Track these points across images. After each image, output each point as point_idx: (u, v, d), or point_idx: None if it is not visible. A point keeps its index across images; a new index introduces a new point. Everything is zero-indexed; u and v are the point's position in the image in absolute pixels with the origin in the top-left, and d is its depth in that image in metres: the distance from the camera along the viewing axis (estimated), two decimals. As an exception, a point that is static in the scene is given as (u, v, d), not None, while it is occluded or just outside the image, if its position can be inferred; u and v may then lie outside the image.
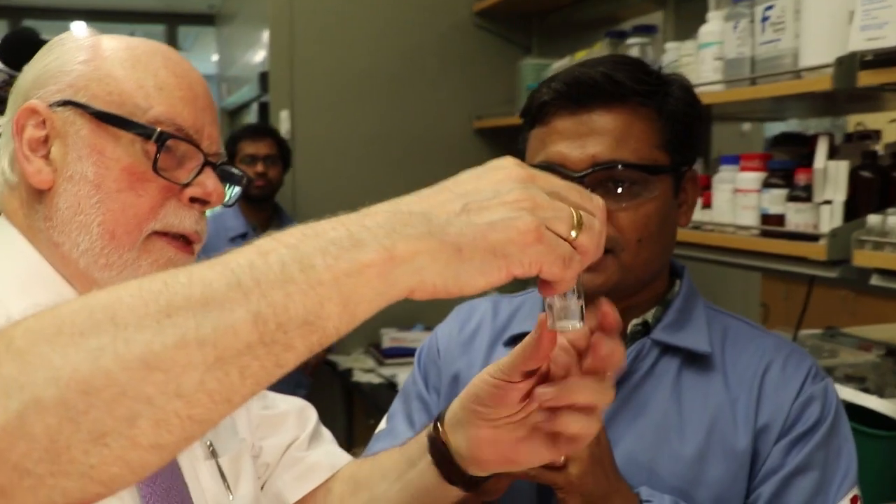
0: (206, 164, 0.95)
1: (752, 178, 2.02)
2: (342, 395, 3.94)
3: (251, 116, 4.27)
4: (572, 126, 1.13)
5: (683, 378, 1.17)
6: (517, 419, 0.86)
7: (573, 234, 0.64)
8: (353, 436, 3.78)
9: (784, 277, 2.95)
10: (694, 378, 1.17)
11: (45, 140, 0.93)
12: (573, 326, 0.72)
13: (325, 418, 4.25)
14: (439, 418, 0.95)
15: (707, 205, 2.19)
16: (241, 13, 4.89)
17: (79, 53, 0.95)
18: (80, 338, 0.53)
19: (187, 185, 0.94)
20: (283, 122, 3.81)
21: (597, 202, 0.68)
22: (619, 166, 1.11)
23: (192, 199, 0.95)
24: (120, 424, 0.52)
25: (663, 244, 1.17)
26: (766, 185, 1.98)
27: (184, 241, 0.95)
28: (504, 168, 0.65)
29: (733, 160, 2.11)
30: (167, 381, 0.53)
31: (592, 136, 1.11)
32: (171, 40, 6.69)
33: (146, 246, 0.92)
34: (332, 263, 0.57)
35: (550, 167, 1.12)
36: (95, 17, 6.63)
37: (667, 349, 1.18)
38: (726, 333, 1.21)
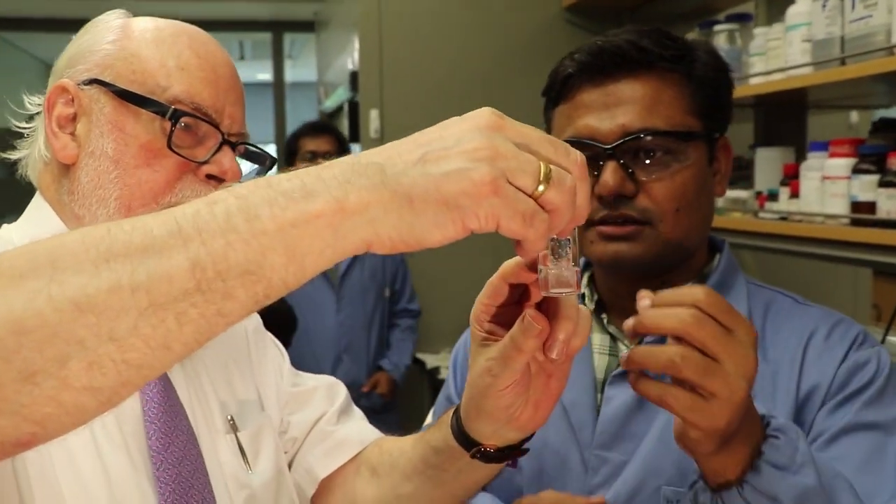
0: (224, 142, 0.97)
1: (842, 165, 1.91)
2: (430, 393, 3.93)
3: (345, 118, 4.33)
4: (599, 97, 1.09)
5: None
6: (528, 370, 0.82)
7: (540, 188, 0.59)
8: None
9: (880, 268, 2.77)
10: None
11: (74, 118, 0.97)
12: (567, 292, 0.69)
13: (413, 416, 4.25)
14: (458, 425, 0.91)
15: (795, 194, 2.09)
16: (334, 19, 4.98)
17: (108, 34, 0.98)
18: (20, 279, 0.54)
19: (205, 162, 0.96)
20: (373, 122, 3.84)
21: (574, 157, 0.63)
22: (650, 135, 1.06)
23: (209, 177, 0.97)
24: (50, 364, 0.53)
25: (702, 213, 1.12)
26: (857, 171, 1.86)
27: None
28: (474, 117, 0.61)
29: (822, 146, 2.00)
30: (99, 323, 0.53)
31: (621, 105, 1.08)
32: (277, 48, 6.86)
33: None
34: (278, 214, 0.56)
35: (580, 141, 1.09)
36: (205, 26, 6.84)
37: None
38: (769, 307, 1.15)
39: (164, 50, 0.96)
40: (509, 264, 0.79)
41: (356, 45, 3.93)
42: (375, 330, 3.50)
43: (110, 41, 0.97)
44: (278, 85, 7.07)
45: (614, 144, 1.07)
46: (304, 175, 0.59)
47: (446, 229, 0.58)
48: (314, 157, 3.42)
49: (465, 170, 0.58)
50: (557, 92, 1.14)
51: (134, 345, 0.54)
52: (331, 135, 3.51)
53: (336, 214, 0.57)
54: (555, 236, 0.67)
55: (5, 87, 7.75)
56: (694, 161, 1.09)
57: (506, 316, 0.82)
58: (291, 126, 7.41)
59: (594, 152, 1.08)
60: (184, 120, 0.94)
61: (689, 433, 0.81)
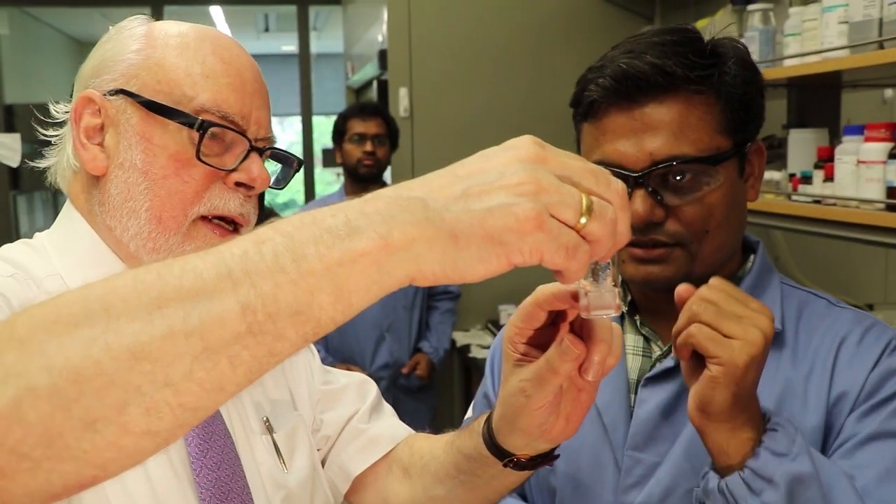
0: (252, 149, 0.97)
1: (878, 149, 1.89)
2: (460, 371, 3.97)
3: (373, 94, 4.33)
4: (626, 122, 1.07)
5: None
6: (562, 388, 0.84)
7: (582, 220, 0.59)
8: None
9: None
10: None
11: (101, 128, 0.97)
12: (607, 314, 0.70)
13: (444, 394, 4.31)
14: (490, 437, 0.93)
15: (829, 178, 2.08)
16: (362, -8, 4.95)
17: (132, 42, 0.98)
18: (75, 328, 0.54)
19: (233, 170, 0.96)
20: (402, 100, 3.84)
21: (615, 187, 0.62)
22: (679, 163, 1.05)
23: (238, 184, 0.97)
24: (110, 412, 0.54)
25: (733, 228, 1.12)
26: (893, 155, 1.85)
27: (230, 227, 0.97)
28: (515, 148, 0.61)
29: (858, 130, 1.98)
30: (155, 370, 0.54)
31: (648, 132, 1.06)
32: (303, 20, 6.83)
33: (191, 232, 0.95)
34: (324, 253, 0.56)
35: (608, 168, 1.07)
36: (231, 0, 6.86)
37: None
38: (802, 310, 1.14)
39: (189, 57, 0.96)
40: (545, 292, 0.79)
41: (384, 19, 3.93)
42: (417, 311, 3.54)
43: (134, 50, 0.97)
44: (304, 58, 7.06)
45: (643, 172, 1.06)
46: (347, 209, 0.58)
47: (490, 264, 0.58)
48: (362, 139, 3.44)
49: (509, 205, 0.57)
50: (584, 111, 1.12)
51: (189, 389, 0.55)
52: (380, 118, 3.50)
53: (381, 251, 0.57)
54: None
55: (31, 62, 7.80)
56: (724, 179, 1.08)
57: (540, 337, 0.83)
58: (317, 98, 7.41)
59: (622, 179, 1.07)
60: (211, 129, 0.94)
61: (711, 371, 0.91)
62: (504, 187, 0.58)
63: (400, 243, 0.57)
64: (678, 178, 1.07)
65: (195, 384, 0.55)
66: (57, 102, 1.02)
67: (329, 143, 3.58)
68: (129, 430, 0.54)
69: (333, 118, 3.54)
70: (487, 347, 3.64)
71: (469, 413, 1.37)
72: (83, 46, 9.95)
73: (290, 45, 8.21)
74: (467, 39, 3.84)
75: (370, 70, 4.46)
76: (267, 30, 9.10)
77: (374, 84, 4.27)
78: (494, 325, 3.80)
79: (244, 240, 0.58)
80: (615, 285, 0.69)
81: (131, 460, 0.56)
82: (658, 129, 1.06)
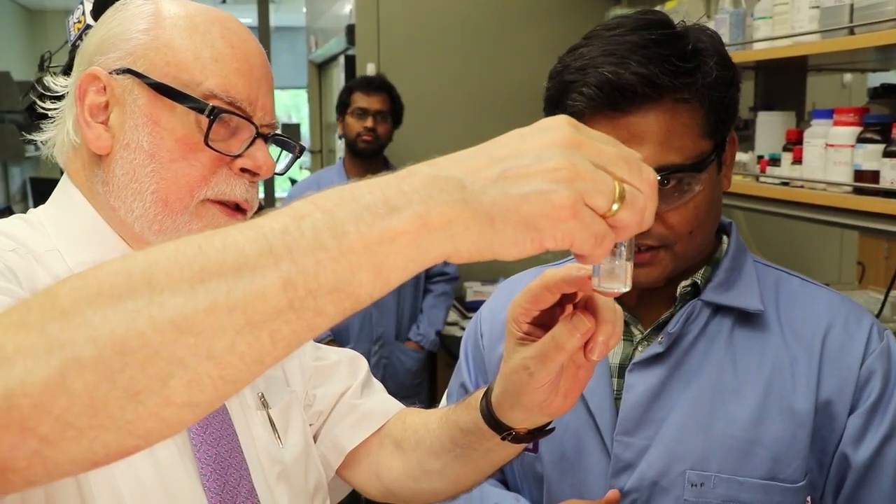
0: (258, 136, 0.97)
1: (846, 133, 1.94)
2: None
3: (339, 70, 4.30)
4: (611, 132, 1.04)
5: (737, 337, 1.15)
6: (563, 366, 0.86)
7: (614, 207, 0.60)
8: (437, 388, 3.83)
9: (883, 236, 2.83)
10: (748, 337, 1.15)
11: (106, 106, 0.95)
12: (618, 289, 0.70)
13: (410, 371, 4.23)
14: (489, 411, 0.94)
15: (797, 160, 2.12)
16: (328, -36, 4.90)
17: (140, 21, 0.97)
18: (119, 300, 0.55)
19: (239, 155, 0.96)
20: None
21: (646, 177, 0.63)
22: (666, 172, 1.06)
23: (243, 170, 0.97)
24: (153, 383, 0.54)
25: (713, 221, 1.15)
26: (861, 140, 1.90)
27: (235, 208, 0.97)
28: (552, 130, 0.61)
29: (826, 114, 2.02)
30: (198, 343, 0.54)
31: (634, 141, 1.05)
32: (263, -7, 6.74)
33: (198, 211, 0.95)
34: (364, 231, 0.56)
35: None
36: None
37: (718, 309, 1.16)
38: (778, 288, 1.19)
39: (198, 40, 0.95)
40: (553, 277, 0.81)
41: (351, -6, 3.90)
42: (410, 290, 3.47)
43: (142, 29, 0.96)
44: (263, 30, 6.95)
45: None
46: (384, 186, 0.58)
47: (524, 247, 0.59)
48: (364, 114, 3.41)
49: (546, 192, 0.58)
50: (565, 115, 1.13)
51: (231, 362, 0.55)
52: (384, 93, 3.46)
53: (419, 231, 0.57)
54: None
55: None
56: (707, 179, 1.10)
57: (543, 318, 0.85)
58: (274, 71, 7.32)
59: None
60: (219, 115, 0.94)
61: None
62: (541, 172, 0.58)
63: (438, 223, 0.58)
64: (664, 184, 1.07)
65: (237, 357, 0.55)
66: (55, 75, 1.00)
67: (286, 118, 3.55)
68: (171, 402, 0.55)
69: (291, 92, 3.50)
70: (454, 324, 3.66)
71: (443, 402, 1.38)
72: (33, 14, 9.71)
73: (248, 18, 8.08)
74: (436, 15, 3.83)
75: (336, 45, 4.42)
76: (224, 1, 8.96)
77: (342, 59, 4.24)
78: (460, 302, 3.81)
79: (283, 214, 0.58)
80: (629, 259, 0.69)
81: (172, 430, 0.57)
82: (644, 139, 1.06)
